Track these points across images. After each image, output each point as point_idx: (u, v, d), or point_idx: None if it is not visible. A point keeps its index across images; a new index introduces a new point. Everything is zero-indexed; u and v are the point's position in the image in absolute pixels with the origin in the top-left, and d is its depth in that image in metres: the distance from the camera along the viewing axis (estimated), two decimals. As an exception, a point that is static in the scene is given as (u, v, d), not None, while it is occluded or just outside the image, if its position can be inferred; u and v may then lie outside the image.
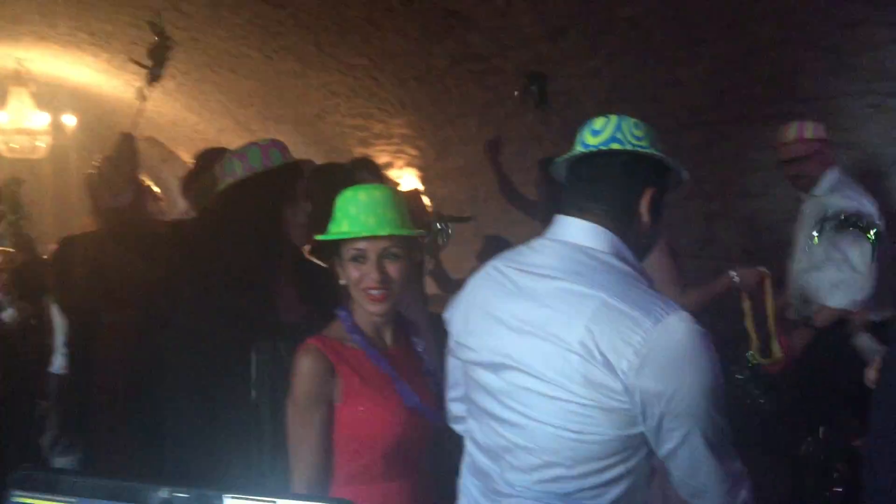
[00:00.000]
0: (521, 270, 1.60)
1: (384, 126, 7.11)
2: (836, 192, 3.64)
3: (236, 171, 2.20)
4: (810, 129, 3.66)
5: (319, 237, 1.87)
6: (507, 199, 4.72)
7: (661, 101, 4.91)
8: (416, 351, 2.02)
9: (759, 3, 3.99)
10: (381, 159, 7.54)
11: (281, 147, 2.27)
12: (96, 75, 8.76)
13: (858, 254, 3.46)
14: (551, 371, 1.46)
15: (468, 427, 1.74)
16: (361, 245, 1.82)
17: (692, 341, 1.40)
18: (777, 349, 3.21)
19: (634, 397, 1.39)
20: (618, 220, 1.56)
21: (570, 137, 5.42)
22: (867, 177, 4.36)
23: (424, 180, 7.24)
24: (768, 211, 4.88)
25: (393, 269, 1.83)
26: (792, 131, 3.68)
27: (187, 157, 11.15)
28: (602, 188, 1.57)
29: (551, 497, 1.50)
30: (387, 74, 6.29)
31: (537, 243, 1.64)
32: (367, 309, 1.86)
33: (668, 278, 2.85)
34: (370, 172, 4.23)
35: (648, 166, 1.58)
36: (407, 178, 7.43)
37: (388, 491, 1.83)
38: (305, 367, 1.81)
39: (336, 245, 1.87)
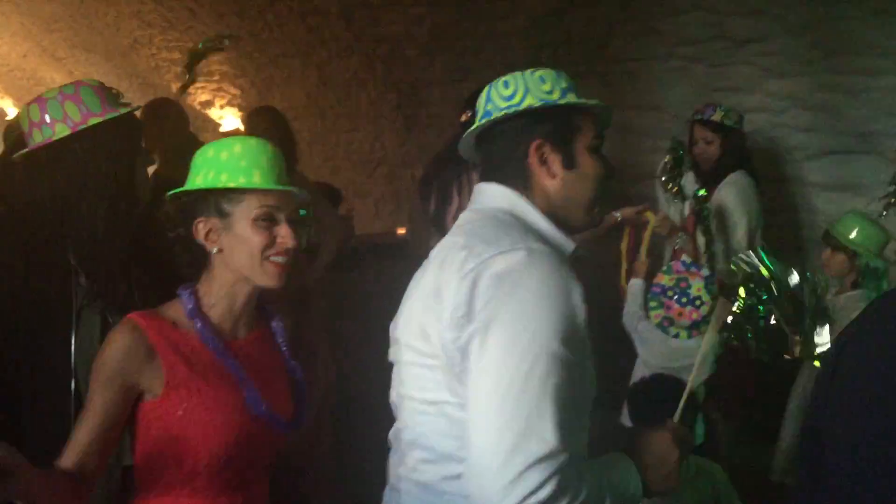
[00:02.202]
0: (442, 245, 1.47)
1: (203, 62, 6.73)
2: None
3: (72, 118, 1.77)
4: None
5: (224, 185, 1.50)
6: None
7: (480, 52, 4.92)
8: (275, 342, 1.72)
9: (573, -39, 4.05)
10: (201, 97, 7.17)
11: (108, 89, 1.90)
12: None
13: None
14: (407, 332, 1.37)
15: None
16: (274, 202, 1.53)
17: (530, 268, 1.23)
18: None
19: (451, 329, 1.24)
20: (523, 180, 1.44)
21: (392, 83, 5.38)
22: (667, 138, 4.58)
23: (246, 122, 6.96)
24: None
25: (299, 236, 1.56)
26: None
27: (-13, 84, 10.18)
28: (494, 152, 1.48)
29: (420, 490, 1.34)
30: (204, 7, 5.94)
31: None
32: (266, 283, 1.55)
33: None
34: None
35: (531, 118, 1.43)
36: (228, 119, 7.12)
37: None
38: (114, 340, 1.50)
39: (209, 203, 1.53)
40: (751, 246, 3.45)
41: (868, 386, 0.97)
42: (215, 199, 1.52)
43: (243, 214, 1.51)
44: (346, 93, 5.96)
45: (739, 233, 3.55)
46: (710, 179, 3.57)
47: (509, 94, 1.46)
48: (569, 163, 1.44)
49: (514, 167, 1.44)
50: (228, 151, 1.52)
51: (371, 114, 5.97)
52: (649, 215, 3.35)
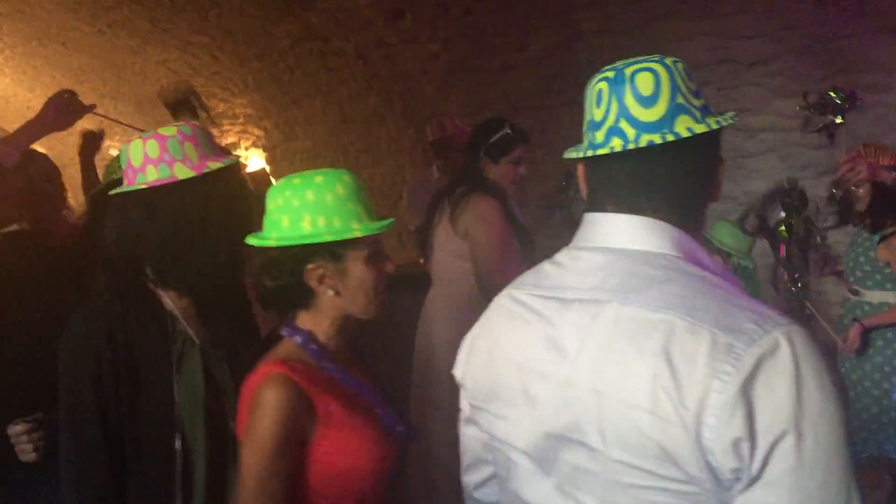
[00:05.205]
0: (552, 298, 1.14)
1: (228, 105, 6.95)
2: None
3: (191, 159, 1.68)
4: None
5: (350, 235, 1.47)
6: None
7: (496, 84, 5.05)
8: (364, 359, 1.71)
9: (580, -6, 4.19)
10: (227, 139, 7.38)
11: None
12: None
13: None
14: (615, 443, 1.01)
15: None
16: (378, 236, 1.52)
17: (803, 363, 0.94)
18: None
19: (723, 461, 0.94)
20: (685, 209, 1.12)
21: (411, 118, 5.54)
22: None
23: (271, 161, 7.15)
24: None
25: None
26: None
27: (21, 135, 10.49)
28: (664, 176, 1.10)
29: None
30: (227, 53, 6.15)
31: (565, 256, 1.18)
32: (373, 315, 1.56)
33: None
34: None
35: (716, 131, 1.12)
36: (254, 160, 7.31)
37: None
38: (274, 400, 1.41)
39: (320, 248, 1.48)
40: None
41: None
42: (328, 245, 1.48)
43: (357, 255, 1.50)
44: (367, 129, 6.12)
45: None
46: None
47: (695, 88, 1.14)
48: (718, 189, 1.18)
49: (692, 189, 1.12)
50: (332, 193, 1.48)
51: (392, 148, 6.12)
52: None
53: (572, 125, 4.93)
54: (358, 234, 1.46)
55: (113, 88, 7.72)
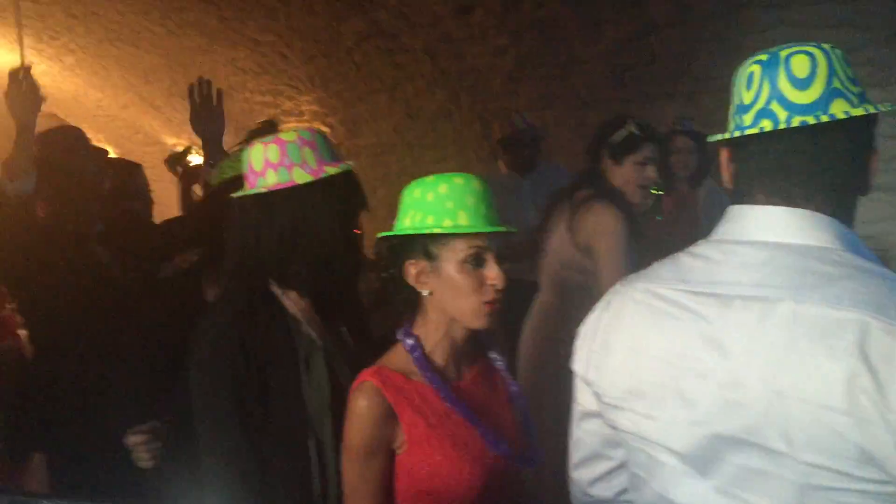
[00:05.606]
0: (705, 294, 1.09)
1: (294, 103, 7.03)
2: None
3: (310, 164, 1.69)
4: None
5: (430, 230, 1.46)
6: None
7: (565, 78, 5.01)
8: (497, 372, 1.68)
9: (654, -15, 4.12)
10: (292, 136, 7.48)
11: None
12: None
13: None
14: (805, 445, 0.97)
15: None
16: (482, 242, 1.48)
17: None
18: None
19: None
20: (839, 200, 1.09)
21: (477, 113, 5.52)
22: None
23: (336, 157, 7.22)
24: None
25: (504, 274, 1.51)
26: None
27: (91, 134, 10.78)
28: (821, 165, 1.08)
29: None
30: (295, 51, 6.22)
31: (712, 250, 1.13)
32: (476, 325, 1.51)
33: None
34: None
35: (872, 119, 1.11)
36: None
37: None
38: (360, 410, 1.46)
39: (417, 245, 1.51)
40: None
41: None
42: (423, 242, 1.49)
43: (451, 257, 1.48)
44: (433, 125, 6.13)
45: None
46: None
47: (853, 76, 1.09)
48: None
49: (845, 178, 1.09)
50: (434, 192, 1.49)
51: (458, 144, 6.12)
52: None
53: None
54: (437, 231, 1.46)
55: (181, 87, 7.85)
